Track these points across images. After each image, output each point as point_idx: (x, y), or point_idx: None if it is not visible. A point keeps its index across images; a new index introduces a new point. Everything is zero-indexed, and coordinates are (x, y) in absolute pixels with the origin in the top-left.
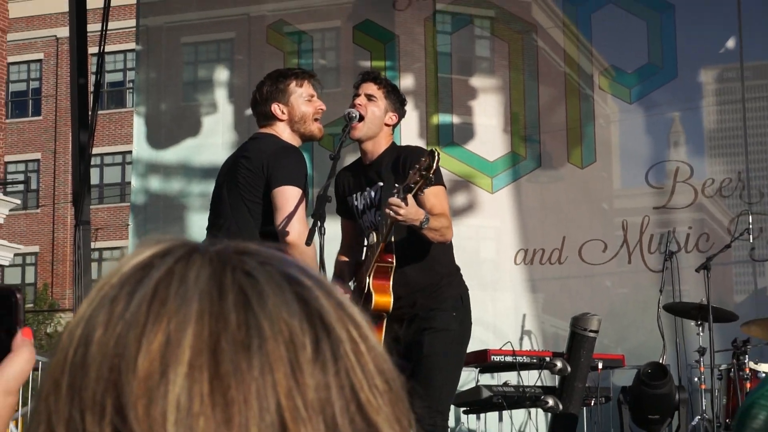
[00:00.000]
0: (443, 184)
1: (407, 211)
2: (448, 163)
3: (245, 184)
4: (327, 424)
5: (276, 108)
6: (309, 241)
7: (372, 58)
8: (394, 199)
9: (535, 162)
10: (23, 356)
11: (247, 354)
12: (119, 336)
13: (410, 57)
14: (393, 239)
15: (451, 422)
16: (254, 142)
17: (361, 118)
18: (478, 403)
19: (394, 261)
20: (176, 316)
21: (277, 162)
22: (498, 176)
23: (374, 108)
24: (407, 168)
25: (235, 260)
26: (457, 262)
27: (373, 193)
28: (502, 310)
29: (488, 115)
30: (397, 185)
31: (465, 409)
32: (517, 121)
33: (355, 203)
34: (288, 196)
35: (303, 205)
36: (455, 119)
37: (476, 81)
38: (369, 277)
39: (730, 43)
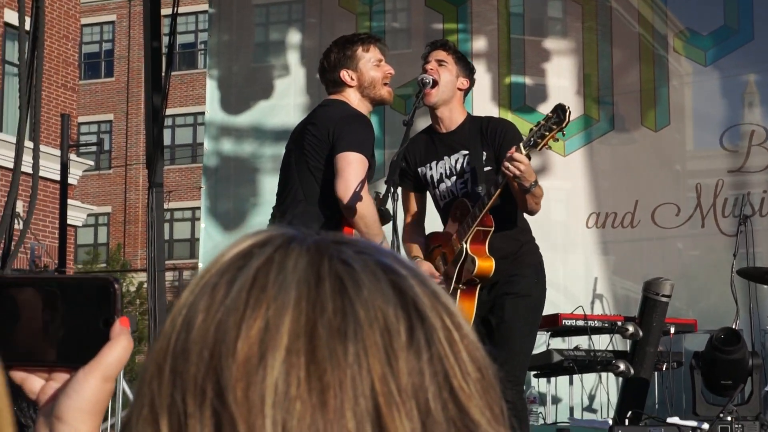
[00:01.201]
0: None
1: (528, 167)
2: (520, 126)
3: (311, 151)
4: (420, 409)
5: (345, 74)
6: (383, 206)
7: (444, 20)
8: (519, 155)
9: (609, 124)
10: (121, 344)
11: (343, 340)
12: (219, 321)
13: (482, 19)
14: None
15: None
16: (323, 109)
17: (435, 84)
18: (548, 366)
19: (493, 225)
20: (275, 302)
21: (342, 129)
22: (571, 139)
23: (446, 72)
24: (497, 137)
25: (332, 249)
26: (531, 225)
27: (453, 161)
28: (573, 273)
29: (561, 77)
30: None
31: (536, 372)
32: (590, 83)
33: (430, 172)
34: (350, 161)
35: (364, 171)
36: (528, 81)
37: (549, 43)
38: (466, 243)
39: None
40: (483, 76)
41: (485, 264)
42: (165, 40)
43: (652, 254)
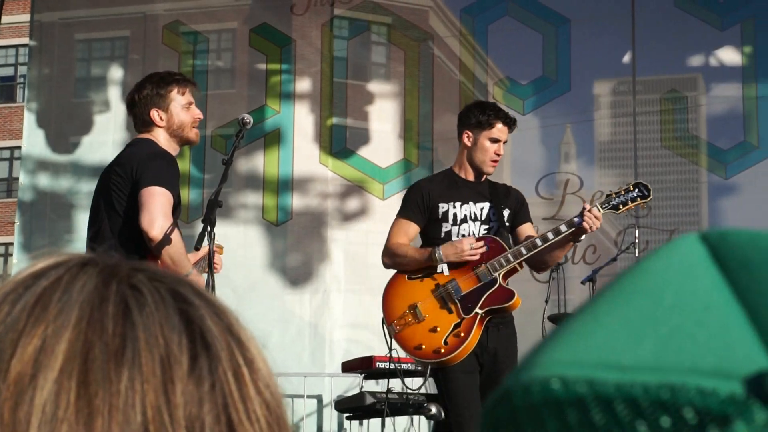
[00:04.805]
0: None
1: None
2: (340, 169)
3: (116, 190)
4: None
5: (155, 114)
6: (198, 246)
7: (268, 61)
8: (599, 213)
9: (427, 169)
10: None
11: (119, 364)
12: None
13: (306, 61)
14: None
15: (334, 427)
16: (129, 149)
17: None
18: (361, 409)
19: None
20: (54, 322)
21: (145, 166)
22: (390, 183)
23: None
24: (519, 204)
25: (124, 273)
26: (347, 266)
27: (479, 209)
28: None
29: (382, 121)
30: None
31: (348, 414)
32: (411, 128)
33: (453, 210)
34: (152, 194)
35: (169, 205)
36: (349, 124)
37: (372, 87)
38: (500, 275)
39: (626, 58)
40: (305, 118)
41: (518, 300)
42: None
43: None
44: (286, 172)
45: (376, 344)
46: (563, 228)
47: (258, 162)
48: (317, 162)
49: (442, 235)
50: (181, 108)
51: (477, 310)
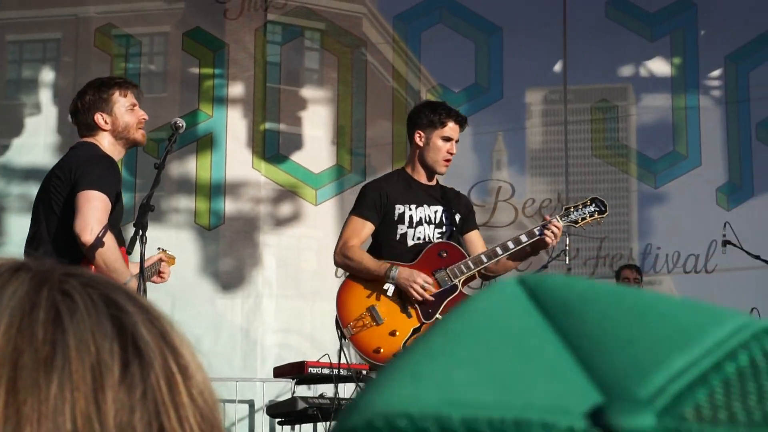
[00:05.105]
0: None
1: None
2: (273, 174)
3: (55, 193)
4: None
5: (99, 118)
6: (130, 250)
7: (201, 65)
8: (561, 227)
9: (360, 175)
10: None
11: (49, 371)
12: None
13: (239, 66)
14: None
15: None
16: (71, 152)
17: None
18: (293, 414)
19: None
20: None
21: (84, 169)
22: (322, 188)
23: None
24: (468, 210)
25: (56, 279)
26: (279, 272)
27: (432, 212)
28: (321, 322)
29: (316, 127)
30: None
31: (280, 420)
32: (344, 134)
33: (410, 212)
34: (89, 198)
35: (105, 210)
36: (282, 130)
37: (305, 92)
38: (460, 282)
39: (557, 67)
40: (238, 123)
41: None
42: None
43: None
44: (219, 176)
45: (308, 349)
46: (524, 238)
47: (190, 166)
48: (250, 167)
49: (398, 237)
50: (125, 110)
51: (437, 315)
